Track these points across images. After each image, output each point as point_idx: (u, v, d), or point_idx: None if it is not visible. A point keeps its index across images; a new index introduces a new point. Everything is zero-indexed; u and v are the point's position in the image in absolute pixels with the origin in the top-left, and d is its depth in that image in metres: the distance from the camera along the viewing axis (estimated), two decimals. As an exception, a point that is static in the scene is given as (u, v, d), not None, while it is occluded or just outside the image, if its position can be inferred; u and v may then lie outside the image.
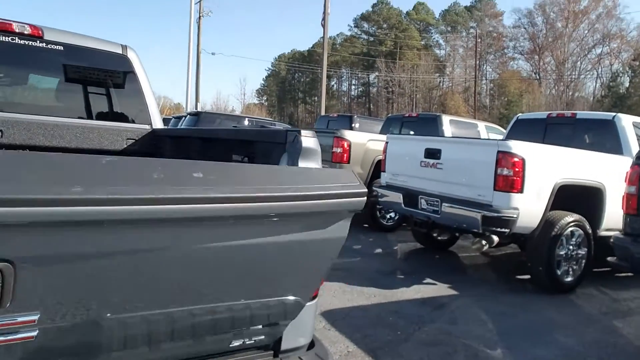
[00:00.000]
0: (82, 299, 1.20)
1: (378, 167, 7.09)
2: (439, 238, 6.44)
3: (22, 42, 2.95)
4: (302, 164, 1.66)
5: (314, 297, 1.71)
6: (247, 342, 1.54)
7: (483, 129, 9.55)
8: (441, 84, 58.16)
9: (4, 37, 2.90)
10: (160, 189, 1.13)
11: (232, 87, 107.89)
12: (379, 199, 6.13)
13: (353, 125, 10.01)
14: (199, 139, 2.73)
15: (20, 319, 1.14)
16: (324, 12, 17.65)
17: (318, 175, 1.46)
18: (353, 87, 66.20)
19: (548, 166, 4.78)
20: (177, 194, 1.14)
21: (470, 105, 45.95)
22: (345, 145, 7.09)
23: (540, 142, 5.63)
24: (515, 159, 4.53)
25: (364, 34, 62.29)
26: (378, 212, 7.44)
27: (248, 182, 1.30)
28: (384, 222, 7.55)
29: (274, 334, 1.60)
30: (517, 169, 4.54)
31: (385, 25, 59.91)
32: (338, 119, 11.22)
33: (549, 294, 4.73)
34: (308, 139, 1.68)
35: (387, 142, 6.26)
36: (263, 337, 1.57)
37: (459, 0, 59.55)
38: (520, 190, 4.56)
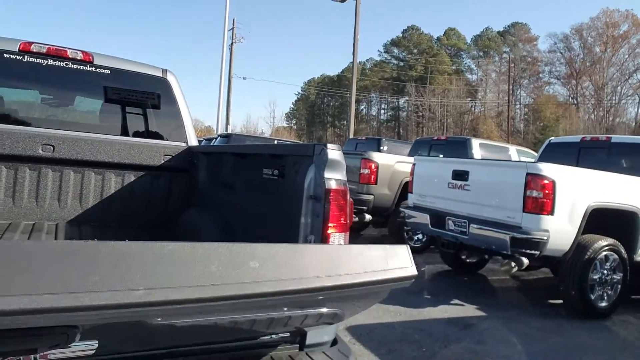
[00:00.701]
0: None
1: (406, 189, 7.12)
2: (468, 260, 6.37)
3: (74, 66, 3.23)
4: (327, 174, 1.78)
5: None
6: (275, 337, 1.63)
7: (514, 152, 9.45)
8: (473, 109, 57.71)
9: (59, 63, 3.19)
10: (218, 288, 1.11)
11: (261, 111, 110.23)
12: (406, 220, 6.16)
13: (381, 147, 10.10)
14: (232, 155, 2.90)
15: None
16: (354, 38, 18.03)
17: (375, 254, 1.41)
18: (382, 111, 66.54)
19: (580, 189, 4.72)
20: (235, 291, 1.12)
21: (503, 130, 45.29)
22: (373, 167, 7.19)
23: (574, 165, 5.56)
24: (545, 181, 4.50)
25: (393, 59, 62.84)
26: (406, 234, 7.44)
27: (303, 270, 1.24)
28: (412, 244, 7.53)
29: (302, 332, 1.69)
30: (547, 191, 4.51)
31: (415, 51, 60.31)
32: (366, 141, 11.35)
33: (582, 319, 4.61)
34: (334, 152, 1.81)
35: (414, 164, 6.31)
36: (290, 335, 1.66)
37: (491, 25, 59.64)
38: (551, 213, 4.51)
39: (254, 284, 1.14)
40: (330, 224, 1.77)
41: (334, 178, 1.80)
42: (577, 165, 5.83)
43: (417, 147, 9.59)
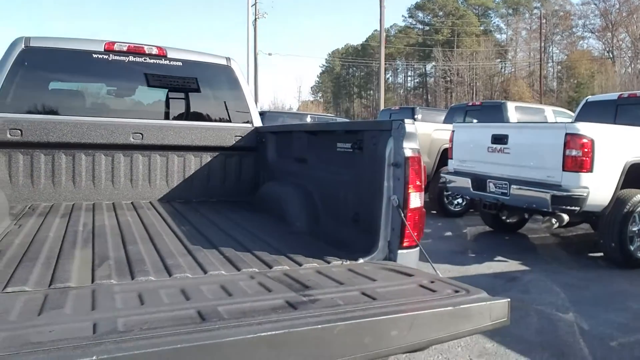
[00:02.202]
0: None
1: (444, 156, 7.39)
2: (508, 220, 6.61)
3: (152, 61, 3.65)
4: (405, 144, 2.15)
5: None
6: None
7: (550, 113, 9.50)
8: (503, 70, 56.13)
9: (138, 58, 3.61)
10: None
11: (288, 86, 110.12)
12: (447, 185, 6.46)
13: (416, 116, 10.30)
14: (301, 132, 3.28)
15: None
16: (380, 4, 17.90)
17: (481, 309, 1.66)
18: (409, 78, 65.53)
19: (618, 146, 4.92)
20: None
21: (535, 90, 44.04)
22: (412, 135, 7.44)
23: (611, 123, 5.70)
24: (584, 140, 4.72)
25: (418, 24, 61.41)
26: (446, 199, 7.74)
27: (427, 331, 1.55)
28: (452, 208, 7.84)
29: None
30: (585, 150, 4.73)
31: (441, 13, 58.70)
32: (400, 111, 11.55)
33: (622, 270, 4.88)
34: (410, 126, 2.18)
35: (453, 131, 6.56)
36: None
37: (519, -20, 57.07)
38: (590, 170, 4.74)
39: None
40: (410, 186, 2.15)
41: (410, 147, 2.17)
42: (614, 123, 5.96)
43: (452, 113, 9.76)
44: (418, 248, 2.22)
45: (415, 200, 2.17)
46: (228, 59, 3.95)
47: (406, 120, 2.19)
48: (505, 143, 5.57)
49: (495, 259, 5.28)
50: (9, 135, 3.20)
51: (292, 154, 3.47)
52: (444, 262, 5.00)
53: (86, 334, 1.25)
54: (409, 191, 2.15)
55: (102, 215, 3.01)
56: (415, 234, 2.19)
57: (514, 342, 3.06)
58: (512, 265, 5.03)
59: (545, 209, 4.95)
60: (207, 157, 3.82)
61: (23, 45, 3.29)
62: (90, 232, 2.56)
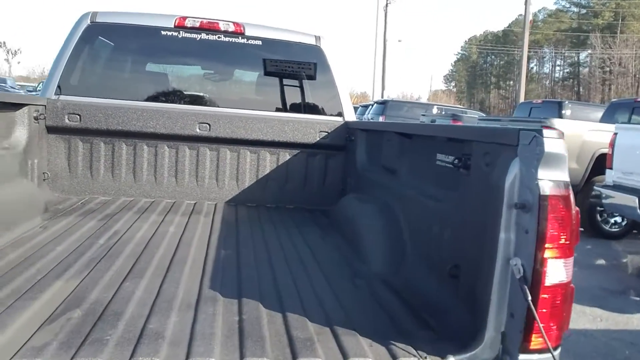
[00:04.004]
0: None
1: (599, 163, 5.92)
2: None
3: (226, 39, 3.09)
4: (542, 173, 1.21)
5: None
6: None
7: None
8: (680, 59, 46.93)
9: (211, 36, 3.07)
10: None
11: (418, 74, 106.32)
12: (604, 201, 5.08)
13: (563, 112, 8.51)
14: (397, 134, 2.42)
15: None
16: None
17: None
18: (557, 68, 58.36)
19: None
20: None
21: None
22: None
23: None
24: None
25: (573, 7, 54.12)
26: (599, 215, 6.17)
27: None
28: (607, 227, 6.23)
29: None
30: None
31: (603, -7, 50.95)
32: (543, 105, 9.70)
33: None
34: (553, 142, 1.22)
35: (615, 134, 5.14)
36: None
37: None
38: None
39: None
40: (547, 245, 1.21)
41: (551, 179, 1.23)
42: None
43: (614, 111, 7.81)
44: (557, 353, 1.27)
45: (557, 271, 1.23)
46: (318, 37, 3.23)
47: (547, 132, 1.23)
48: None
49: (670, 310, 3.83)
50: (67, 121, 2.90)
51: (381, 160, 2.64)
52: (592, 303, 3.78)
53: None
54: (545, 255, 1.21)
55: (145, 222, 2.53)
56: (553, 329, 1.23)
57: None
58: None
59: None
60: (285, 155, 3.17)
61: (89, 21, 2.97)
62: (107, 249, 2.06)
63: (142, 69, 3.31)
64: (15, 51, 41.75)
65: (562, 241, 1.22)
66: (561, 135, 1.27)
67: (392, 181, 2.42)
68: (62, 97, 2.91)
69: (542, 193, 1.22)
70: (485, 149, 1.47)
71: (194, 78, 3.52)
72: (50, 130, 2.91)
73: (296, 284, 1.84)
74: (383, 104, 14.51)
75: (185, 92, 3.30)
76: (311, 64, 3.25)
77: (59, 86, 2.92)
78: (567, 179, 1.24)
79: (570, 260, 1.25)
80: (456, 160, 1.65)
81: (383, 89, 28.75)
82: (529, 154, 1.25)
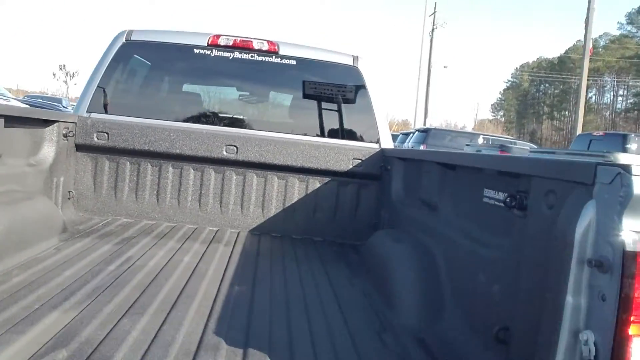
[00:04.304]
0: None
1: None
2: None
3: (260, 58, 2.96)
4: (627, 222, 0.91)
5: None
6: None
7: None
8: None
9: (244, 55, 2.95)
10: None
11: (463, 102, 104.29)
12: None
13: (628, 146, 7.85)
14: (438, 164, 2.15)
15: None
16: (588, 8, 15.01)
17: None
18: (620, 98, 55.48)
19: None
20: None
21: None
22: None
23: None
24: None
25: None
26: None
27: None
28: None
29: None
30: None
31: (672, 19, 48.38)
32: (605, 138, 9.03)
33: None
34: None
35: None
36: None
37: None
38: None
39: None
40: (632, 318, 0.91)
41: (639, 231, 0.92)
42: None
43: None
44: None
45: None
46: (355, 57, 3.03)
47: (637, 169, 0.93)
48: None
49: None
50: (95, 139, 2.83)
51: (420, 193, 2.37)
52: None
53: None
54: (630, 332, 0.91)
55: (162, 249, 2.37)
56: None
57: None
58: None
59: None
60: (314, 183, 2.96)
61: (124, 39, 2.93)
62: (115, 277, 1.91)
63: (173, 88, 3.25)
64: (73, 73, 44.58)
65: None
66: None
67: (431, 218, 2.13)
68: (93, 115, 2.87)
69: (627, 249, 0.92)
70: (548, 186, 1.18)
71: (224, 98, 3.43)
72: (79, 148, 2.86)
73: (312, 335, 1.59)
74: (425, 132, 14.10)
75: (213, 113, 3.19)
76: (347, 86, 3.07)
77: (91, 103, 2.89)
78: None
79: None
80: (509, 199, 1.36)
81: (426, 116, 28.21)
82: (610, 196, 0.96)
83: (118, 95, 2.99)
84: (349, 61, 3.02)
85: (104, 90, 2.91)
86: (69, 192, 2.79)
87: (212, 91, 3.44)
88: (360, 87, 3.01)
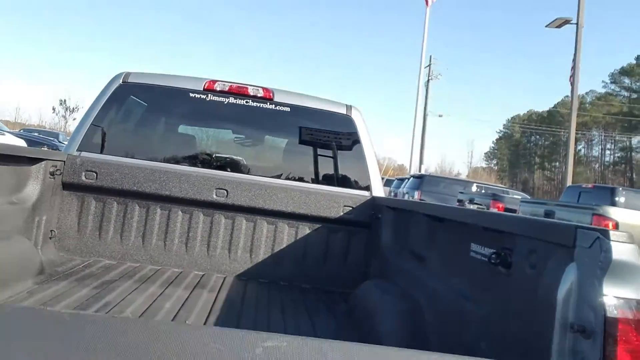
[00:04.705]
0: None
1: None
2: None
3: (254, 104, 3.00)
4: (608, 287, 0.91)
5: None
6: None
7: None
8: None
9: (239, 100, 3.00)
10: None
11: (458, 150, 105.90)
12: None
13: (616, 199, 7.95)
14: (427, 216, 2.15)
15: None
16: (573, 68, 15.56)
17: None
18: (607, 152, 56.66)
19: None
20: None
21: None
22: (611, 226, 5.51)
23: None
24: None
25: (623, 90, 53.42)
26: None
27: None
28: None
29: None
30: None
31: (655, 79, 50.21)
32: (594, 190, 9.15)
33: None
34: (623, 247, 0.93)
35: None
36: None
37: None
38: None
39: None
40: None
41: (621, 297, 0.92)
42: None
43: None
44: None
45: None
46: (349, 107, 3.09)
47: (614, 234, 0.94)
48: None
49: None
50: (83, 178, 2.80)
51: (409, 243, 2.35)
52: None
53: None
54: None
55: (142, 294, 2.30)
56: None
57: None
58: None
59: None
60: (304, 229, 2.93)
61: (121, 81, 2.97)
62: None
63: (166, 130, 3.26)
64: (73, 108, 45.02)
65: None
66: (632, 239, 0.97)
67: (420, 270, 2.11)
68: (83, 154, 2.85)
69: (608, 315, 0.91)
70: (531, 245, 1.18)
71: (216, 142, 3.44)
72: (66, 186, 2.81)
73: None
74: (420, 178, 14.24)
75: (205, 156, 3.19)
76: (340, 134, 3.10)
77: (82, 142, 2.88)
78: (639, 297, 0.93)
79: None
80: (494, 255, 1.35)
81: (421, 163, 28.52)
82: (590, 260, 0.96)
83: (111, 135, 2.98)
84: (342, 110, 3.07)
85: (97, 130, 2.91)
86: (51, 231, 2.72)
87: (205, 134, 3.46)
88: (353, 136, 3.04)
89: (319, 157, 3.13)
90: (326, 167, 3.13)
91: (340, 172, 3.11)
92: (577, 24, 14.84)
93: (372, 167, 3.03)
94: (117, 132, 3.05)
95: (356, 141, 3.04)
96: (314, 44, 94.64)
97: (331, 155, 3.12)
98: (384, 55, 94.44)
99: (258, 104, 2.99)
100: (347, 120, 3.05)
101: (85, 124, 2.91)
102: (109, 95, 2.93)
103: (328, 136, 3.12)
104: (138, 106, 3.12)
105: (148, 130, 3.20)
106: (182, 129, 3.35)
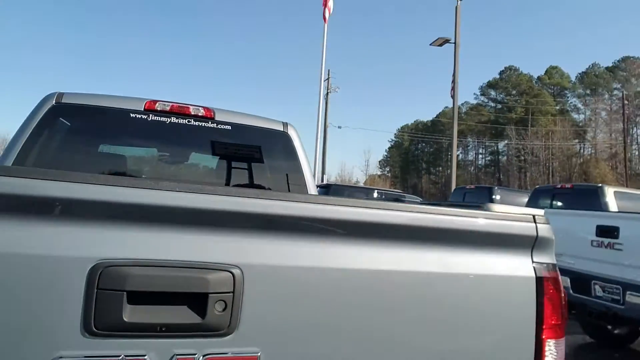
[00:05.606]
0: None
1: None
2: (615, 332, 5.35)
3: (196, 123, 3.12)
4: (534, 257, 1.32)
5: None
6: None
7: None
8: (582, 151, 53.12)
9: (181, 120, 3.11)
10: None
11: (356, 159, 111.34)
12: (538, 283, 5.35)
13: (493, 197, 9.26)
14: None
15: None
16: (454, 82, 17.49)
17: None
18: (480, 156, 63.68)
19: None
20: None
21: (619, 173, 40.82)
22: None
23: None
24: None
25: (491, 102, 60.56)
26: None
27: None
28: (542, 308, 6.55)
29: None
30: None
31: (514, 92, 57.71)
32: (476, 190, 10.52)
33: None
34: (542, 228, 1.32)
35: (544, 217, 5.56)
36: None
37: (598, 61, 55.44)
38: None
39: None
40: (544, 327, 1.29)
41: (542, 262, 1.32)
42: None
43: (537, 196, 8.62)
44: None
45: (554, 355, 1.29)
46: (285, 124, 3.32)
47: (536, 215, 1.34)
48: (616, 237, 4.49)
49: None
50: None
51: None
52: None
53: None
54: (543, 337, 1.29)
55: None
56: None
57: None
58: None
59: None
60: None
61: (54, 102, 2.88)
62: None
63: (105, 155, 3.18)
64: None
65: (556, 321, 1.30)
66: (548, 220, 1.37)
67: None
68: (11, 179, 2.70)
69: (538, 275, 1.29)
70: None
71: (151, 161, 3.43)
72: None
73: None
74: (326, 187, 14.88)
75: (150, 176, 3.23)
76: (279, 150, 3.30)
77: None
78: (554, 261, 1.34)
79: (563, 340, 1.32)
80: None
81: (323, 173, 29.61)
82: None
83: (43, 164, 2.76)
84: (279, 127, 3.25)
85: (25, 158, 2.69)
86: None
87: (139, 154, 3.43)
88: (291, 151, 3.23)
89: (260, 172, 3.30)
90: (268, 181, 3.32)
91: (281, 185, 3.32)
92: (454, 43, 16.67)
93: (308, 178, 3.27)
94: (50, 160, 2.85)
95: (294, 156, 3.24)
96: (217, 53, 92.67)
97: (272, 170, 3.32)
98: (287, 69, 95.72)
99: (200, 123, 3.10)
100: (284, 136, 3.25)
101: (12, 151, 2.68)
102: (39, 118, 2.77)
103: (268, 152, 3.30)
104: (72, 128, 3.03)
105: (85, 156, 3.10)
106: (113, 149, 3.29)
